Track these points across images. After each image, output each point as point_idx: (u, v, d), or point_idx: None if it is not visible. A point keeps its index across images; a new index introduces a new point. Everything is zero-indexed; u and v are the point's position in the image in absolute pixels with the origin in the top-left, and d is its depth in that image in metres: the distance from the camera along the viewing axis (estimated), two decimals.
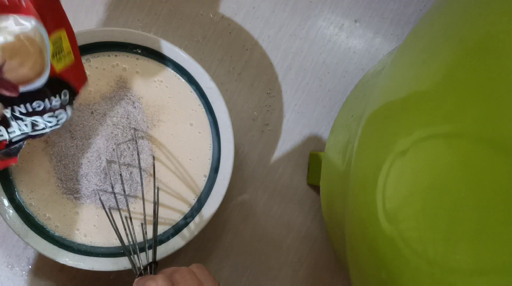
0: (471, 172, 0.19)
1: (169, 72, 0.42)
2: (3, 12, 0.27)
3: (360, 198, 0.27)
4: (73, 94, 0.33)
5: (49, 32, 0.30)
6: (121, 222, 0.38)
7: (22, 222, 0.40)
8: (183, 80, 0.42)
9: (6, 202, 0.40)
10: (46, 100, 0.31)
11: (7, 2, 0.27)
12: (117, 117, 0.41)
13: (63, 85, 0.32)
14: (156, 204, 0.38)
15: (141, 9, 0.47)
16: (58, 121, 0.33)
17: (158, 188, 0.40)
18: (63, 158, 0.41)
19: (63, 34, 0.32)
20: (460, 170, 0.20)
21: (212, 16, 0.47)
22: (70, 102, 0.33)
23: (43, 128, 0.33)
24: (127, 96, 0.41)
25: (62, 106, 0.33)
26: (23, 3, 0.27)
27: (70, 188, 0.41)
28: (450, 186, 0.20)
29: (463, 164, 0.19)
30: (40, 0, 0.28)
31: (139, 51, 0.41)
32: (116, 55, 0.41)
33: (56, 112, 0.32)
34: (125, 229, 0.37)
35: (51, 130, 0.33)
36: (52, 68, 0.31)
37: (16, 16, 0.27)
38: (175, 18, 0.47)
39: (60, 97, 0.32)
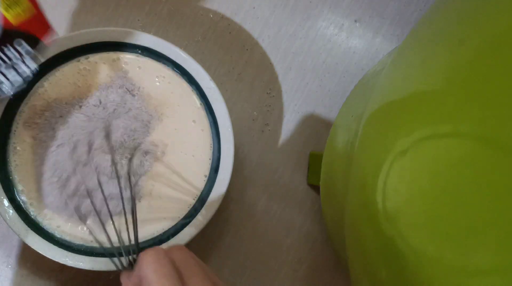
0: (471, 172, 0.19)
1: (169, 72, 0.42)
2: None
3: (360, 198, 0.27)
4: (34, 42, 0.32)
5: None
6: (113, 227, 0.38)
7: (22, 222, 0.40)
8: (183, 80, 0.42)
9: (6, 202, 0.39)
10: None
11: None
12: (114, 117, 0.41)
13: (19, 35, 0.31)
14: (133, 200, 0.38)
15: (141, 9, 0.47)
16: (18, 73, 0.32)
17: (135, 180, 0.40)
18: (57, 163, 0.40)
19: None
20: (460, 170, 0.20)
21: (212, 16, 0.47)
22: (29, 53, 0.32)
23: (1, 83, 0.32)
24: (128, 87, 0.41)
25: (20, 56, 0.31)
26: None
27: (68, 192, 0.41)
28: (450, 186, 0.20)
29: (463, 164, 0.19)
30: None
31: (139, 51, 0.41)
32: (116, 55, 0.41)
33: (15, 65, 0.31)
34: (116, 233, 0.38)
35: (16, 88, 0.32)
36: (6, 21, 0.30)
37: None
38: (175, 18, 0.47)
39: (13, 47, 0.31)
